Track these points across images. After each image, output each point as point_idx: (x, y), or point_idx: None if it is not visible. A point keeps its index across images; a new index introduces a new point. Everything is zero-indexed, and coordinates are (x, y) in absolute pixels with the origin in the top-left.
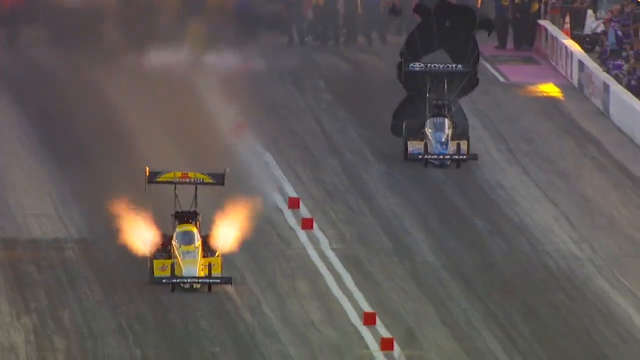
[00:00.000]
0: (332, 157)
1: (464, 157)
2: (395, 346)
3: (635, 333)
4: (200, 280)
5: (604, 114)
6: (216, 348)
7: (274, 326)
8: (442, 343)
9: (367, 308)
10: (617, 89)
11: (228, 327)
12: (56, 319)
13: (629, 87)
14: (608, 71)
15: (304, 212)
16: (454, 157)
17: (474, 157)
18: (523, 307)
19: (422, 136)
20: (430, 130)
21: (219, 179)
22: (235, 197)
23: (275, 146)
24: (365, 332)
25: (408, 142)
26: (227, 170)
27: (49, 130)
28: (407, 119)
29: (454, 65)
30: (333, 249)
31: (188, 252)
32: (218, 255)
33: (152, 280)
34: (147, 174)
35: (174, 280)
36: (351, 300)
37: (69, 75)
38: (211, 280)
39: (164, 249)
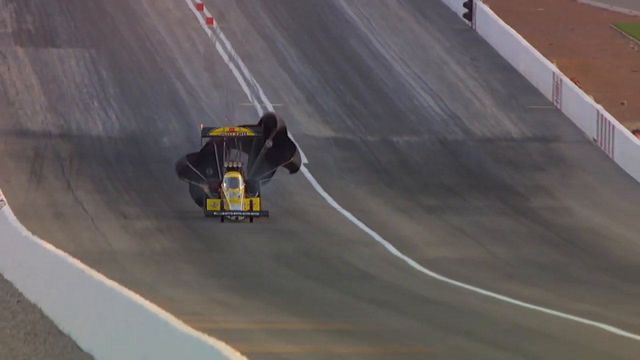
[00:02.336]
0: None
1: None
2: (214, 22)
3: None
4: (243, 213)
5: None
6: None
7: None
8: (240, 22)
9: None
10: None
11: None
12: None
13: None
14: None
15: None
16: None
17: None
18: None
19: None
20: None
21: (258, 132)
22: None
23: None
24: (197, 14)
25: None
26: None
27: None
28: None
29: None
30: None
31: (234, 193)
32: (258, 196)
33: (205, 214)
34: (202, 128)
35: (223, 213)
36: None
37: None
38: (252, 213)
39: (215, 191)
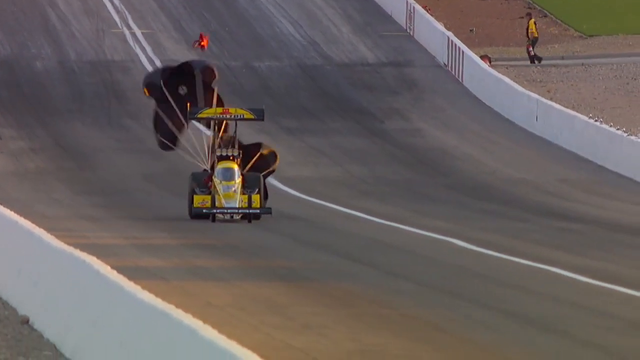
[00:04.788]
0: None
1: None
2: None
3: None
4: (240, 211)
5: None
6: None
7: None
8: None
9: None
10: None
11: None
12: None
13: None
14: None
15: None
16: None
17: None
18: None
19: None
20: None
21: (259, 115)
22: None
23: None
24: None
25: None
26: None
27: None
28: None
29: None
30: None
31: (228, 186)
32: (257, 193)
33: (191, 212)
34: (188, 109)
35: (215, 211)
36: None
37: None
38: (251, 210)
39: (205, 186)
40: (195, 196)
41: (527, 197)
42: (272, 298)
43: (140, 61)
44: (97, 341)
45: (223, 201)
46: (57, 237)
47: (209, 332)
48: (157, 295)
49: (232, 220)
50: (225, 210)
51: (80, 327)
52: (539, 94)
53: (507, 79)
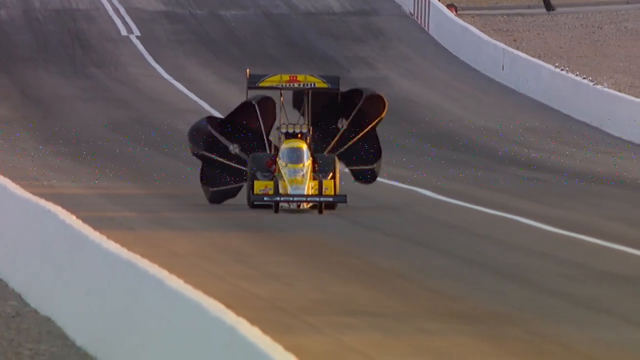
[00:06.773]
0: None
1: None
2: None
3: None
4: (309, 199)
5: None
6: None
7: None
8: None
9: None
10: None
11: None
12: None
13: None
14: None
15: None
16: None
17: None
18: None
19: None
20: None
21: (334, 83)
22: None
23: None
24: None
25: None
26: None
27: None
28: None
29: None
30: None
31: (295, 170)
32: (331, 178)
33: (251, 200)
34: (248, 77)
35: (278, 199)
36: None
37: None
38: (323, 199)
39: (267, 169)
40: (255, 182)
41: (493, 146)
42: (238, 248)
43: (105, 9)
44: (62, 291)
45: (289, 188)
46: (23, 186)
47: (175, 282)
48: (122, 245)
49: (299, 210)
50: (291, 199)
51: (46, 277)
52: (505, 43)
53: (473, 28)
